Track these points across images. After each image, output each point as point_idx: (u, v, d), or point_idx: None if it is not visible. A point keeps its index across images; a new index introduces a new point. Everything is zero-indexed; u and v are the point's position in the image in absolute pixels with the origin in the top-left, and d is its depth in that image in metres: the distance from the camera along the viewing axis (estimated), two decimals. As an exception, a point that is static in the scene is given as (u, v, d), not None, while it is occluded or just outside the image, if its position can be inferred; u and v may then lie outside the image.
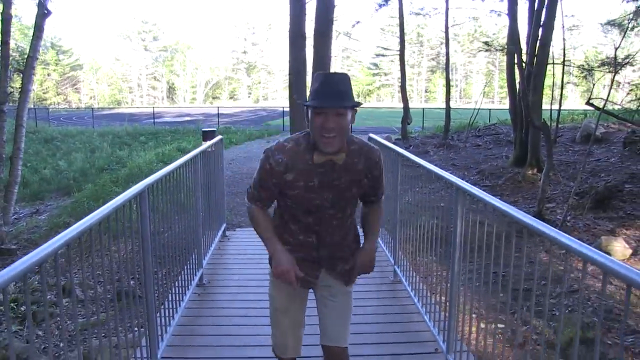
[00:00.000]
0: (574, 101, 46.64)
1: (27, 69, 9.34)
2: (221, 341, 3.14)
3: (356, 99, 1.80)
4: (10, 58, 9.74)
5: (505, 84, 12.37)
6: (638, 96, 10.20)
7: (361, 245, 2.11)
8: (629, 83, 29.75)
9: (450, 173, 2.96)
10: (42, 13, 9.36)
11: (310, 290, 2.10)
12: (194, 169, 3.90)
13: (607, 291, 4.59)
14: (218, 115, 29.27)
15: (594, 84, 10.33)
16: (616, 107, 11.66)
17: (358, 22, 22.32)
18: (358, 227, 2.12)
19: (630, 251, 5.70)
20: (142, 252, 2.64)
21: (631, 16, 9.72)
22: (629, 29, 10.32)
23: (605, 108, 7.64)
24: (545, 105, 11.36)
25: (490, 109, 25.00)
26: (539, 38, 9.49)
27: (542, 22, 9.40)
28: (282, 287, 2.00)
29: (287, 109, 10.64)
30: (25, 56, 9.91)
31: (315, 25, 8.39)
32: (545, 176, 7.17)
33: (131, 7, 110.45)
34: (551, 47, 9.91)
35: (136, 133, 21.50)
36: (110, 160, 16.03)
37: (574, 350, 1.71)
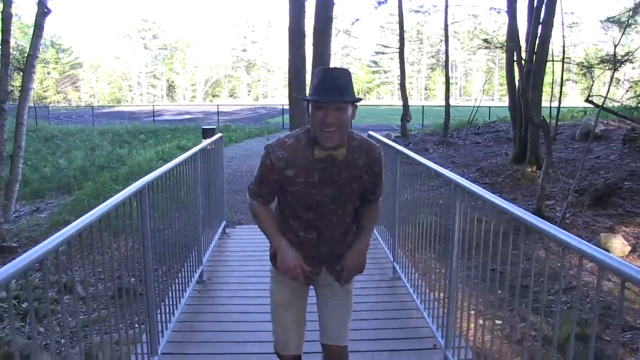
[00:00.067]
0: (574, 98, 46.58)
1: (27, 67, 9.37)
2: (221, 337, 3.17)
3: (356, 96, 1.81)
4: (11, 57, 9.76)
5: (505, 82, 12.36)
6: (637, 93, 10.20)
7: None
8: (628, 80, 29.70)
9: (450, 170, 2.97)
10: (42, 12, 9.38)
11: (311, 287, 2.11)
12: (194, 166, 3.91)
13: (605, 288, 4.62)
14: (218, 113, 29.25)
15: (593, 81, 10.33)
16: (616, 104, 11.66)
17: (357, 19, 22.50)
18: None
19: (629, 248, 5.73)
20: (143, 249, 2.66)
21: (630, 13, 9.70)
22: (628, 25, 10.29)
23: (604, 105, 7.64)
24: (545, 103, 11.37)
25: (489, 107, 24.94)
26: (539, 35, 9.49)
27: (541, 20, 9.41)
28: (284, 282, 2.01)
29: (287, 107, 10.66)
30: (26, 55, 9.93)
31: (315, 23, 8.39)
32: (545, 173, 7.18)
33: (131, 5, 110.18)
34: (551, 45, 9.93)
35: (136, 131, 21.48)
36: (110, 158, 16.05)
37: (570, 347, 1.73)
